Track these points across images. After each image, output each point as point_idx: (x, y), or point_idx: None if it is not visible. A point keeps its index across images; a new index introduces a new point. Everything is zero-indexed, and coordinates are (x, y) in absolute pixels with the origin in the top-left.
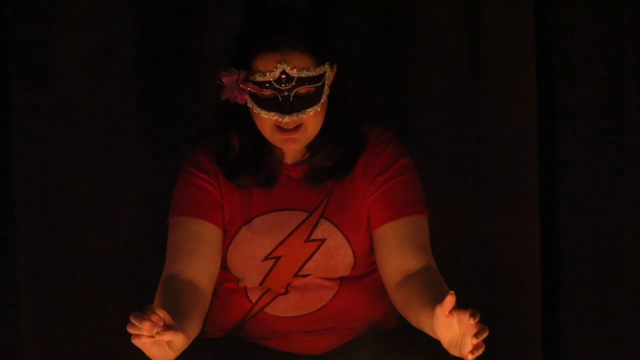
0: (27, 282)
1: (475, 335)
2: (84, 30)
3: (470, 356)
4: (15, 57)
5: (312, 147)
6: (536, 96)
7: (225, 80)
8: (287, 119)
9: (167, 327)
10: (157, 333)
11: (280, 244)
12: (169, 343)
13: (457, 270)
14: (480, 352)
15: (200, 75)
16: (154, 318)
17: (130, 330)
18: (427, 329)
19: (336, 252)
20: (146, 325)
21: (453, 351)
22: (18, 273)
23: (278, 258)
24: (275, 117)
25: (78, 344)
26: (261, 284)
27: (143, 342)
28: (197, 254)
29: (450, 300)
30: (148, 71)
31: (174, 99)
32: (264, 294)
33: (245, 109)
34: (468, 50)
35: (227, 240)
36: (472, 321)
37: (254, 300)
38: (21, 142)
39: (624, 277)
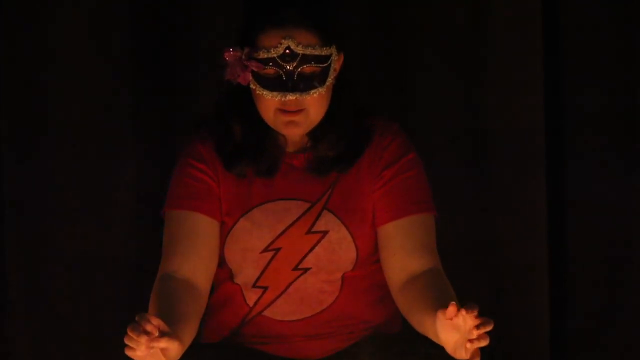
0: (19, 284)
1: (478, 327)
2: (78, 29)
3: (469, 345)
4: (7, 56)
5: (315, 136)
6: (543, 94)
7: (228, 57)
8: (289, 96)
9: (161, 334)
10: (152, 340)
11: (280, 235)
12: (163, 351)
13: (463, 272)
14: (483, 343)
15: (196, 74)
16: (148, 327)
17: (128, 343)
18: (430, 334)
19: (338, 246)
20: (143, 339)
21: (458, 355)
22: (10, 275)
23: (277, 250)
24: (278, 97)
25: (72, 346)
26: (259, 278)
27: (138, 355)
28: (194, 251)
29: (452, 310)
30: (142, 70)
31: (169, 99)
32: (261, 296)
33: (247, 96)
34: (473, 46)
35: (225, 232)
36: (467, 313)
37: (251, 304)
38: (13, 142)
39: (635, 281)
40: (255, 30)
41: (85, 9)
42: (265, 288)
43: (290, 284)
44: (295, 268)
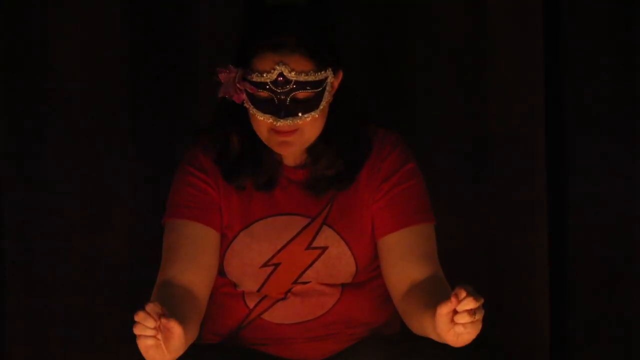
0: (17, 288)
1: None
2: (75, 30)
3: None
4: (6, 57)
5: (313, 154)
6: (544, 94)
7: (221, 77)
8: (281, 122)
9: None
10: (163, 317)
11: (280, 250)
12: (168, 341)
13: (463, 272)
14: (476, 328)
15: (196, 74)
16: (155, 308)
17: (138, 332)
18: (430, 333)
19: (338, 261)
20: (152, 323)
21: (462, 342)
22: (7, 278)
23: (277, 265)
24: (270, 120)
25: (69, 351)
26: (259, 290)
27: (148, 344)
28: (194, 259)
29: (461, 294)
30: (141, 71)
31: (168, 100)
32: (261, 299)
33: (245, 108)
34: (473, 47)
35: (225, 245)
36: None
37: (251, 306)
38: (13, 144)
39: (635, 280)
40: (250, 52)
41: (85, 12)
42: (265, 295)
43: (290, 289)
44: (295, 282)
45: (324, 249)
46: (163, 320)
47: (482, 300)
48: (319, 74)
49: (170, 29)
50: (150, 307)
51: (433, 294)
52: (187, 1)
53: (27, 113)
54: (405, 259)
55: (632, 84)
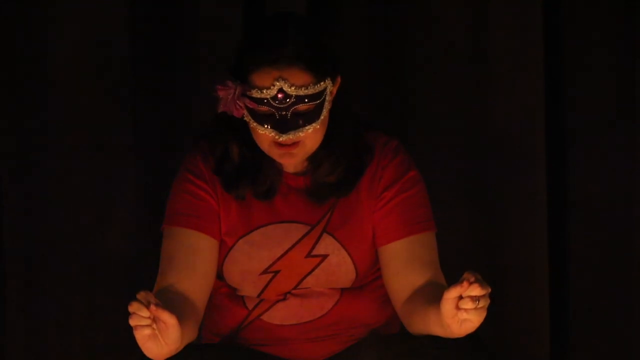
0: (16, 288)
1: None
2: (76, 31)
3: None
4: (6, 56)
5: (315, 161)
6: (544, 94)
7: (221, 93)
8: (284, 137)
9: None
10: (156, 306)
11: (280, 258)
12: (163, 333)
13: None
14: (481, 304)
15: (197, 76)
16: (147, 296)
17: (134, 323)
18: (434, 325)
19: (338, 269)
20: (146, 312)
21: (465, 330)
22: (7, 278)
23: (276, 272)
24: (273, 134)
25: (68, 351)
26: (258, 295)
27: (145, 335)
28: (191, 267)
29: (470, 279)
30: (143, 72)
31: (169, 100)
32: (261, 301)
33: (243, 119)
34: (473, 47)
35: (224, 252)
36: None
37: (250, 308)
38: (11, 144)
39: (635, 281)
40: (248, 67)
41: (81, 10)
42: (264, 297)
43: (290, 291)
44: (295, 288)
45: (324, 256)
46: (152, 308)
47: (488, 289)
48: (318, 85)
49: (171, 29)
50: (141, 295)
51: (437, 294)
52: (188, 1)
53: (27, 113)
54: (407, 267)
55: (632, 84)
